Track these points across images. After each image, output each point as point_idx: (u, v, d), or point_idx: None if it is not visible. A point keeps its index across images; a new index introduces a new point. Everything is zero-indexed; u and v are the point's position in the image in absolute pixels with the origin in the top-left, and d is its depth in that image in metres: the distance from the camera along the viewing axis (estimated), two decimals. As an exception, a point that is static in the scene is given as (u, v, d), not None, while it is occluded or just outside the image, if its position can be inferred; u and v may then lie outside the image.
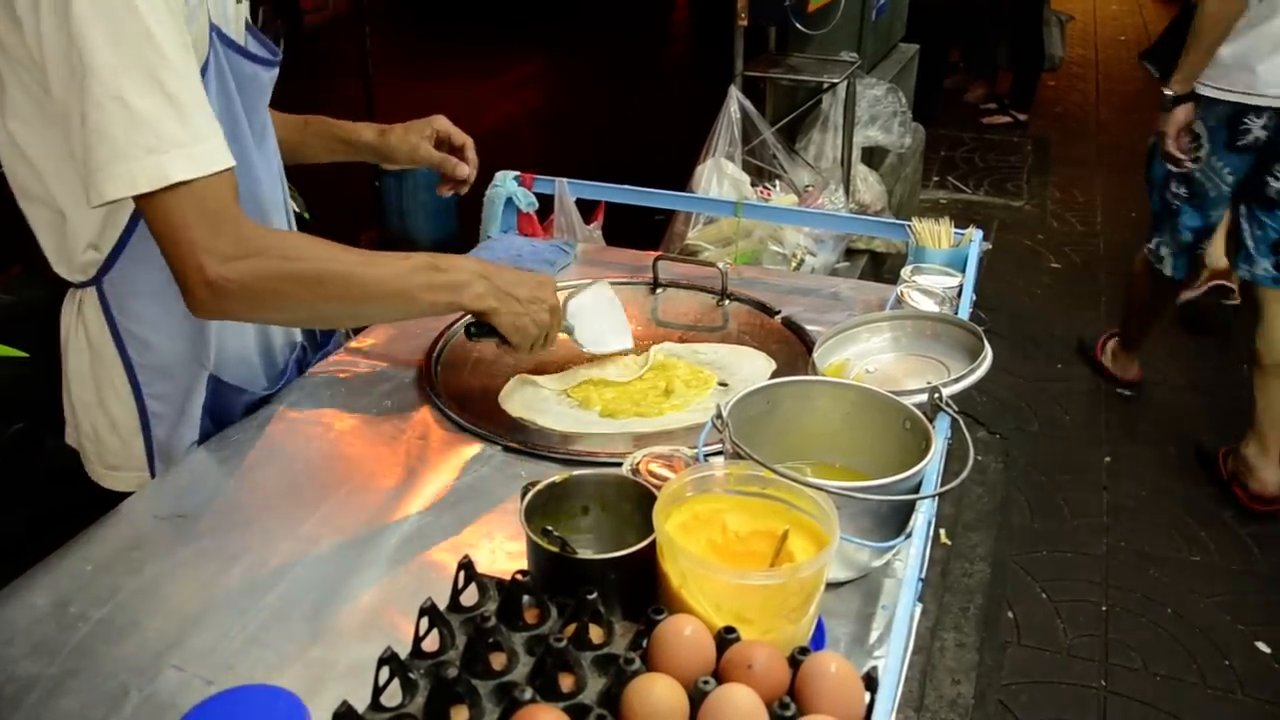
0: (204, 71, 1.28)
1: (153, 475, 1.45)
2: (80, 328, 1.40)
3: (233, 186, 1.20)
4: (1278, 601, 2.96)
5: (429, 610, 0.93)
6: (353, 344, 1.70)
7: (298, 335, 1.66)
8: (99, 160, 1.12)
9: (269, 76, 1.45)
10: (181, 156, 1.14)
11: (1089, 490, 3.45)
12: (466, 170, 1.76)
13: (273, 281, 1.21)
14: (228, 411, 1.50)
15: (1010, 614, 2.91)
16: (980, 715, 2.57)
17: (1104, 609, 2.93)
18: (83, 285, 1.37)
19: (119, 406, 1.42)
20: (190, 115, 1.15)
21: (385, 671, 0.88)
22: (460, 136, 1.77)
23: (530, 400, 1.53)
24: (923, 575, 1.20)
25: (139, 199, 1.14)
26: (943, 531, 3.20)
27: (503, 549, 1.22)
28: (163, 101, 1.12)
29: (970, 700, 2.61)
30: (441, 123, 1.76)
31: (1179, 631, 2.85)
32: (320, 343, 1.73)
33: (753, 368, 1.62)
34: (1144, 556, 3.15)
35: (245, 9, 1.42)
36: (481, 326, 1.43)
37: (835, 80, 3.74)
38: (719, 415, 1.14)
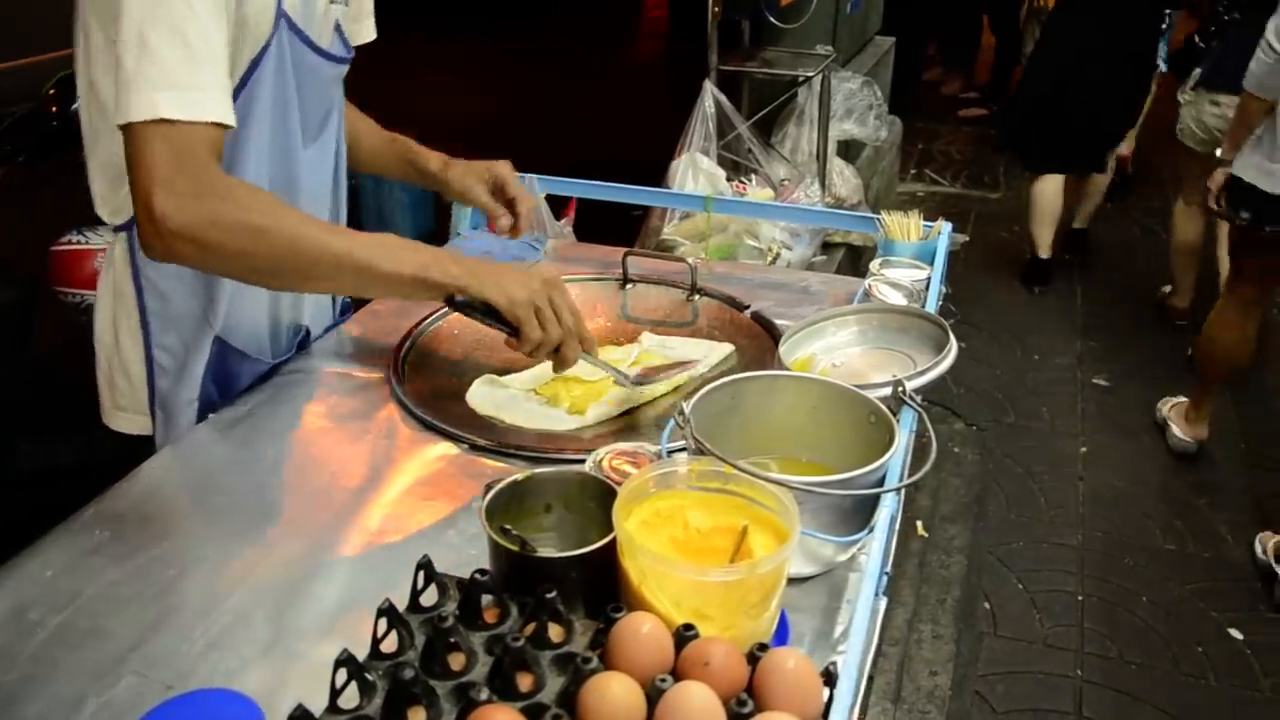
0: (263, 54, 1.35)
1: (153, 422, 1.50)
2: (110, 269, 1.47)
3: (213, 141, 1.22)
4: (1249, 589, 2.98)
5: (387, 611, 0.92)
6: (318, 344, 1.69)
7: (304, 318, 1.68)
8: (118, 86, 1.19)
9: (334, 72, 1.53)
10: (175, 97, 1.18)
11: (1065, 481, 3.47)
12: (507, 223, 1.74)
13: (221, 227, 1.19)
14: (233, 378, 1.54)
15: (987, 605, 2.93)
16: (957, 706, 2.58)
17: (1079, 599, 2.95)
18: (118, 229, 1.44)
19: (131, 350, 1.48)
20: (199, 64, 1.20)
21: (343, 673, 0.87)
22: (515, 189, 1.75)
23: (498, 399, 1.53)
24: (888, 570, 1.20)
25: (125, 128, 1.18)
26: (920, 524, 3.21)
27: (468, 548, 1.21)
28: (177, 46, 1.18)
29: (947, 691, 2.62)
30: (502, 169, 1.76)
31: (1153, 620, 2.87)
32: (327, 329, 1.75)
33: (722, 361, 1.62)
34: (1119, 546, 3.16)
35: (344, 12, 1.52)
36: (475, 307, 1.35)
37: (810, 74, 3.73)
38: (681, 411, 1.14)
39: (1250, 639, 2.79)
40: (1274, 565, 3.05)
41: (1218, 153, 3.31)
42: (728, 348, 1.66)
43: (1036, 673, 2.70)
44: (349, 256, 1.28)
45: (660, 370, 1.55)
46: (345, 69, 1.56)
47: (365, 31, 1.66)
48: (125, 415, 1.53)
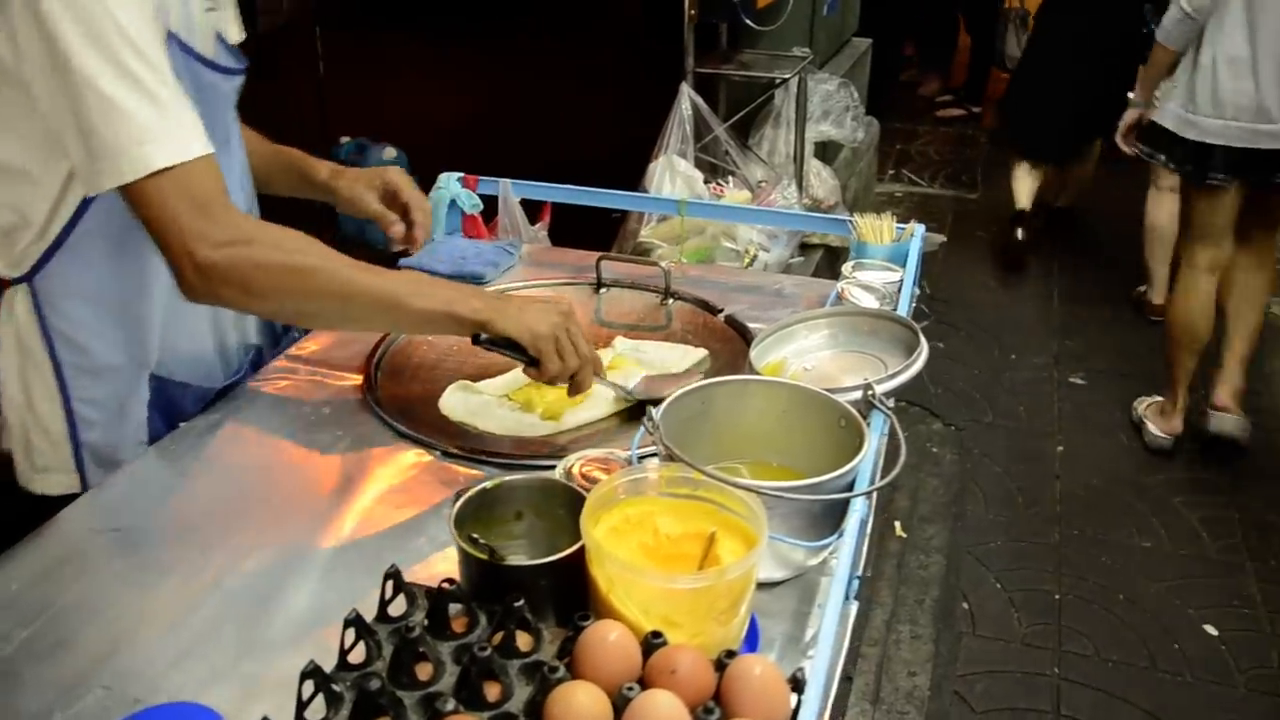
0: None
1: (82, 479, 1.43)
2: (11, 325, 1.38)
3: (217, 173, 1.23)
4: (1225, 585, 3.00)
5: (353, 622, 0.92)
6: (292, 350, 1.68)
7: (253, 337, 1.65)
8: (91, 154, 1.17)
9: (230, 86, 1.46)
10: (162, 145, 1.17)
11: (1042, 480, 3.48)
12: (401, 230, 1.68)
13: (263, 270, 1.22)
14: (178, 407, 1.49)
15: (965, 604, 2.94)
16: (936, 706, 2.59)
17: (1057, 597, 2.96)
18: (16, 281, 1.36)
19: (47, 407, 1.41)
20: (167, 105, 1.19)
21: (309, 685, 0.87)
22: (409, 195, 1.69)
23: (471, 405, 1.53)
24: (860, 574, 1.20)
25: (126, 189, 1.18)
26: (898, 524, 3.22)
27: (440, 556, 1.21)
28: (138, 93, 1.17)
29: (926, 692, 2.63)
30: (392, 176, 1.70)
31: (1130, 617, 2.88)
32: (278, 343, 1.72)
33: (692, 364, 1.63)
34: (1096, 544, 3.18)
35: (218, 18, 1.42)
36: (498, 343, 1.35)
37: (786, 76, 3.74)
38: (650, 417, 1.14)
39: (1225, 634, 2.81)
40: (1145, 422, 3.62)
41: (1130, 95, 3.61)
42: (701, 352, 1.66)
43: (1015, 672, 2.71)
44: (383, 294, 1.30)
45: (663, 382, 1.52)
46: (241, 81, 1.48)
47: (233, 32, 1.50)
48: (46, 476, 1.45)
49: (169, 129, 1.19)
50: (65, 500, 1.38)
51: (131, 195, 1.19)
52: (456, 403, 1.53)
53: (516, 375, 1.56)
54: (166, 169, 1.17)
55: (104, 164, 1.17)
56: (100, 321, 1.38)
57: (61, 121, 1.19)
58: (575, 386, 1.39)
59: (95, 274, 1.35)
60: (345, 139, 4.41)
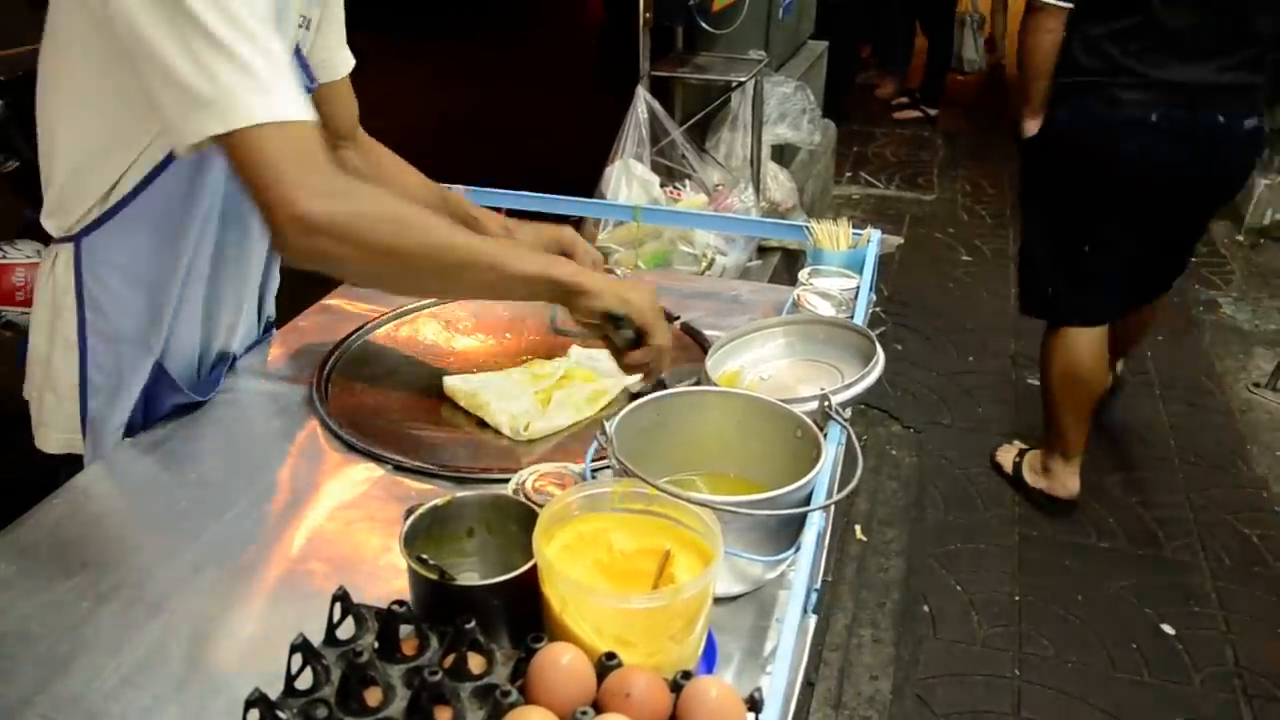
0: None
1: (83, 439, 1.46)
2: (50, 280, 1.43)
3: (320, 137, 1.21)
4: (1180, 584, 3.03)
5: (300, 647, 0.90)
6: (242, 362, 1.65)
7: (234, 345, 1.63)
8: (197, 101, 1.14)
9: None
10: (275, 99, 1.16)
11: (1001, 482, 3.49)
12: None
13: (365, 221, 1.20)
14: (159, 404, 1.49)
15: (926, 608, 2.94)
16: (898, 710, 2.59)
17: (1017, 599, 2.97)
18: (62, 240, 1.40)
19: (64, 364, 1.44)
20: (280, 63, 1.19)
21: (255, 714, 0.84)
22: (582, 257, 1.66)
23: (472, 381, 1.54)
24: (816, 586, 1.19)
25: (231, 139, 1.15)
26: (858, 527, 3.22)
27: (391, 574, 1.19)
28: (253, 47, 1.15)
29: (888, 696, 2.63)
30: (567, 237, 1.69)
31: (1088, 618, 2.90)
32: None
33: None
34: (1055, 546, 3.20)
35: (304, 36, 1.48)
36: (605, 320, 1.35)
37: (743, 79, 3.74)
38: (603, 430, 1.12)
39: (1182, 633, 2.83)
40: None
41: None
42: None
43: (975, 674, 2.71)
44: (483, 253, 1.29)
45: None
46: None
47: (342, 61, 1.62)
48: (49, 433, 1.49)
49: (281, 86, 1.17)
50: (62, 459, 1.48)
51: (234, 144, 1.16)
52: (459, 380, 1.55)
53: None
54: (275, 122, 1.15)
55: (214, 110, 1.14)
56: (128, 293, 1.41)
57: (162, 71, 1.15)
58: (654, 371, 1.42)
59: (135, 247, 1.38)
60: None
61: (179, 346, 1.50)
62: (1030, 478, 3.40)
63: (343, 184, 1.22)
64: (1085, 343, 3.15)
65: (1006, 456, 3.54)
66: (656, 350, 1.38)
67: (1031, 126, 3.04)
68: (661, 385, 1.40)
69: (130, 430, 1.47)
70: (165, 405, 1.49)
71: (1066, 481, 3.31)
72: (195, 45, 1.13)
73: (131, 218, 1.36)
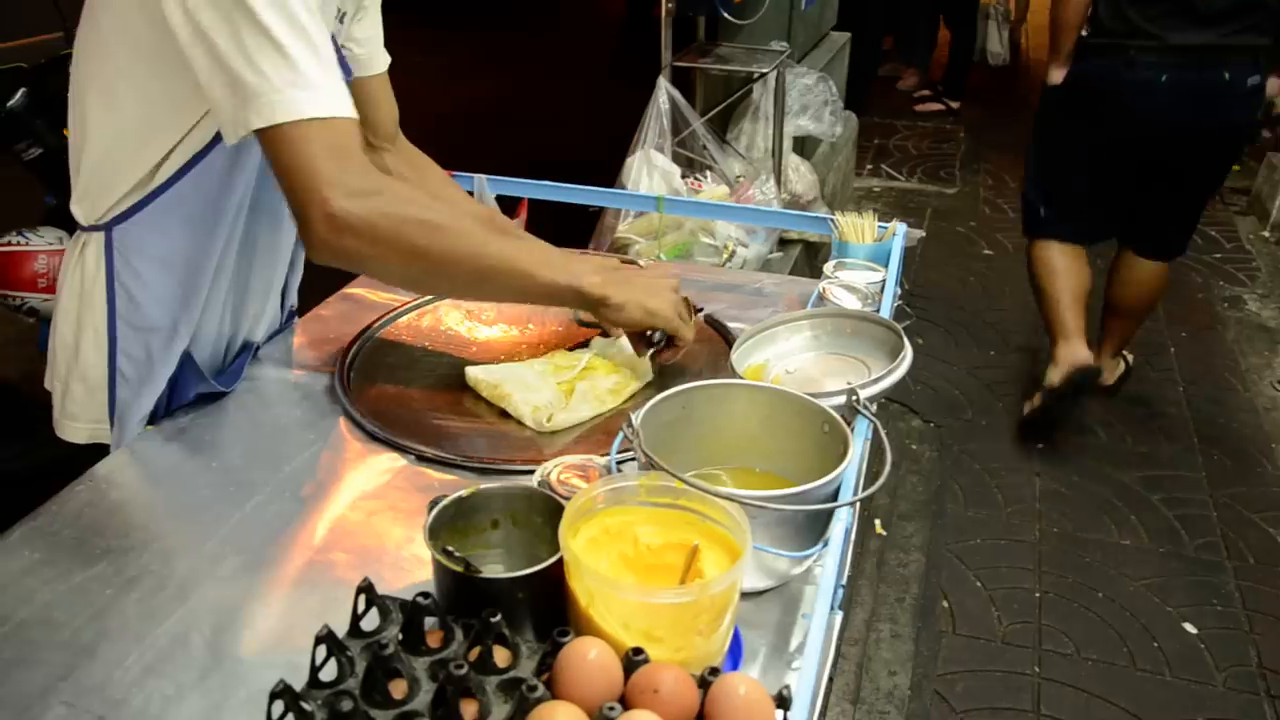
0: None
1: (111, 430, 1.45)
2: (79, 269, 1.41)
3: (360, 135, 1.23)
4: (1203, 582, 3.00)
5: (325, 638, 0.89)
6: (263, 351, 1.64)
7: (258, 334, 1.63)
8: (245, 94, 1.15)
9: None
10: (320, 95, 1.17)
11: (1022, 477, 3.48)
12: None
13: (395, 222, 1.21)
14: (183, 393, 1.49)
15: (946, 603, 2.93)
16: (917, 706, 2.58)
17: (1037, 595, 2.95)
18: (92, 229, 1.39)
19: (93, 354, 1.42)
20: (327, 61, 1.19)
21: (279, 705, 0.84)
22: None
23: (494, 372, 1.53)
24: (843, 582, 1.17)
25: (271, 133, 1.16)
26: (878, 522, 3.21)
27: (415, 566, 1.18)
28: (303, 42, 1.16)
29: (906, 691, 2.62)
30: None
31: (1110, 615, 2.88)
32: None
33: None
34: (1076, 542, 3.18)
35: (340, 30, 1.48)
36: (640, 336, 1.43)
37: (765, 70, 3.72)
38: (629, 423, 1.11)
39: (1204, 632, 2.81)
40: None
41: None
42: None
43: (995, 671, 2.70)
44: (512, 261, 1.32)
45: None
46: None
47: (379, 55, 1.62)
48: (75, 424, 1.48)
49: (327, 83, 1.18)
50: (86, 450, 1.45)
51: (274, 138, 1.17)
52: (481, 370, 1.54)
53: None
54: (316, 119, 1.16)
55: (257, 105, 1.15)
56: (161, 282, 1.41)
57: (212, 61, 1.16)
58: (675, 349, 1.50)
59: (170, 236, 1.37)
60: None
61: (206, 336, 1.50)
62: (1053, 378, 3.52)
63: (377, 183, 1.22)
64: (1061, 249, 3.59)
65: (1035, 399, 3.64)
66: (685, 346, 1.44)
67: (1057, 75, 3.39)
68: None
69: (153, 419, 1.47)
70: (189, 394, 1.49)
71: (1074, 357, 3.49)
72: (246, 37, 1.14)
73: (167, 206, 1.36)
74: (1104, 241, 3.72)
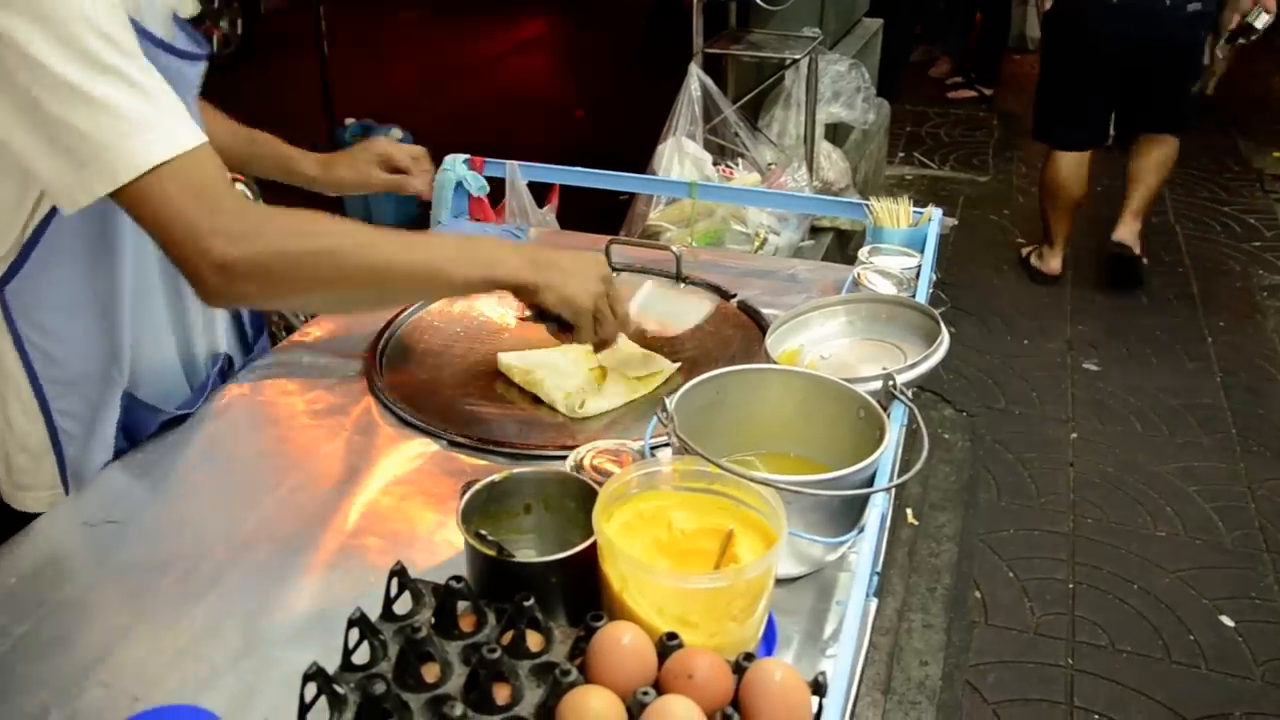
0: None
1: (66, 493, 1.34)
2: None
3: (216, 161, 1.13)
4: (1240, 574, 2.96)
5: (358, 621, 0.89)
6: (295, 337, 1.64)
7: (221, 345, 1.56)
8: (78, 162, 1.05)
9: (194, 72, 1.33)
10: (159, 134, 1.07)
11: (1055, 467, 3.44)
12: (419, 185, 1.78)
13: (289, 260, 1.14)
14: (143, 430, 1.40)
15: (978, 593, 2.90)
16: (948, 696, 2.56)
17: (1070, 586, 2.93)
18: None
19: (26, 422, 1.31)
20: (152, 93, 1.08)
21: (312, 687, 0.84)
22: (402, 155, 1.76)
23: (527, 358, 1.53)
24: (878, 569, 1.16)
25: (122, 192, 1.06)
26: (909, 511, 3.19)
27: (447, 550, 1.18)
28: (121, 85, 1.05)
29: (938, 682, 2.60)
30: (383, 146, 1.73)
31: (1145, 607, 2.85)
32: (247, 353, 1.63)
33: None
34: (1110, 533, 3.14)
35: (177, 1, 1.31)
36: (538, 312, 1.35)
37: (797, 56, 3.69)
38: (664, 408, 1.10)
39: (1242, 625, 2.77)
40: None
41: None
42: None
43: (1028, 662, 2.68)
44: (420, 266, 1.25)
45: None
46: (204, 67, 1.34)
47: (187, 6, 1.34)
48: (29, 494, 1.35)
49: (162, 116, 1.08)
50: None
51: (130, 197, 1.07)
52: (514, 357, 1.54)
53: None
54: (165, 163, 1.06)
55: (95, 168, 1.05)
56: (73, 331, 1.30)
57: (33, 140, 1.06)
58: (600, 345, 1.41)
59: (67, 281, 1.26)
60: (350, 120, 4.36)
61: (151, 366, 1.40)
62: (1033, 260, 4.75)
63: (256, 220, 1.13)
64: (1067, 162, 4.43)
65: (1025, 250, 4.86)
66: (595, 340, 1.38)
67: (1046, 2, 4.33)
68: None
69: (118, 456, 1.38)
70: (150, 428, 1.40)
71: (1051, 263, 4.67)
72: (51, 106, 1.03)
73: (51, 250, 1.23)
74: (1103, 146, 4.53)
